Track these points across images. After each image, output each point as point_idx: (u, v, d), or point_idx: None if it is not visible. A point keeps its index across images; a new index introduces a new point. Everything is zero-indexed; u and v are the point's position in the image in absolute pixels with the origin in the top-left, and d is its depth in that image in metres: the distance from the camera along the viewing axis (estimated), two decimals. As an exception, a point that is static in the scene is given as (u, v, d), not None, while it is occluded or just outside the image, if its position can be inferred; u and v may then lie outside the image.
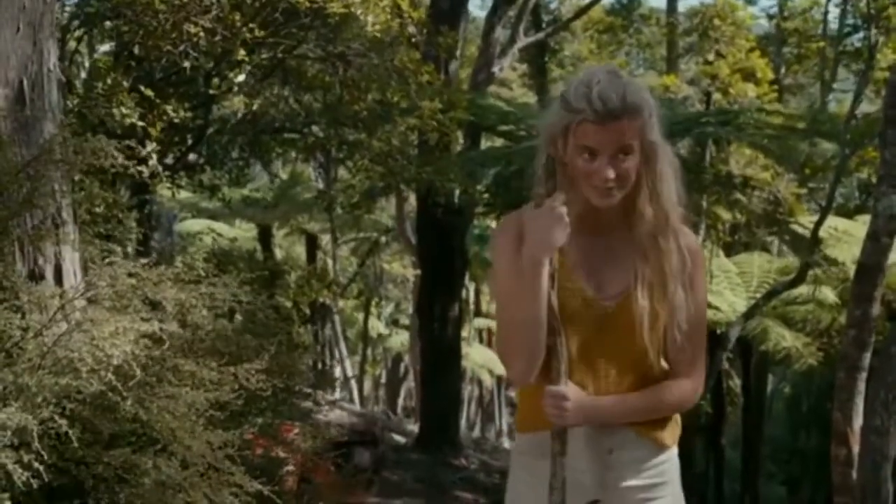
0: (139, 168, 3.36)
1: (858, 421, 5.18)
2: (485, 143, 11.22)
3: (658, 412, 2.19)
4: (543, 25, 15.66)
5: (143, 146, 3.52)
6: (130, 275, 3.21)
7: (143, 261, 3.38)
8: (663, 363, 2.19)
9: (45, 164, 3.19)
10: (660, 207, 2.12)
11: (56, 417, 2.65)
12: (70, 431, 2.66)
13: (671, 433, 2.24)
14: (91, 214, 3.75)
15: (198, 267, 3.65)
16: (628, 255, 2.14)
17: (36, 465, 2.55)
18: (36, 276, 3.28)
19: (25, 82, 3.30)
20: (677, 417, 2.26)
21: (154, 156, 3.48)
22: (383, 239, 18.24)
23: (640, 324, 2.10)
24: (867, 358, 5.26)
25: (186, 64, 5.39)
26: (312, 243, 16.68)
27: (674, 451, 2.26)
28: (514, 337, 2.09)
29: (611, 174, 2.02)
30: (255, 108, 6.49)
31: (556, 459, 2.10)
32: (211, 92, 6.08)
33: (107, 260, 3.42)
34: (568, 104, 2.03)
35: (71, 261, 3.41)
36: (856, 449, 5.13)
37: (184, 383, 3.08)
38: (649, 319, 2.11)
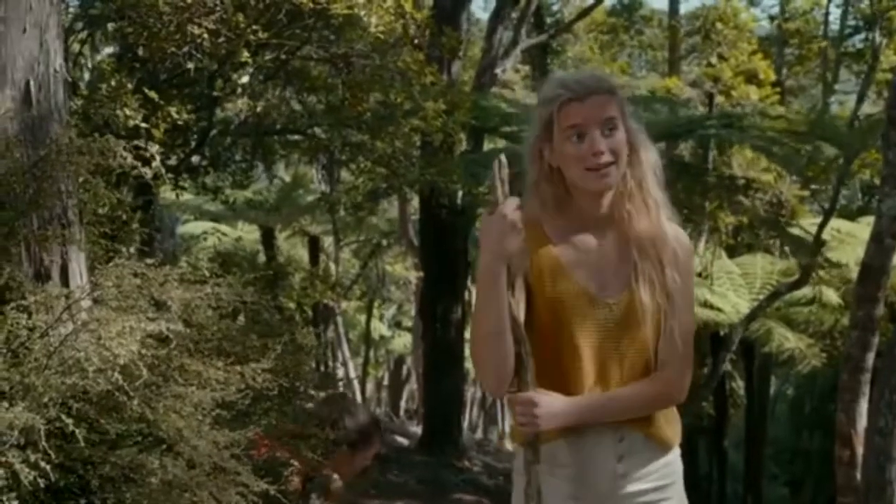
0: (143, 169, 3.36)
1: (862, 422, 5.19)
2: (488, 145, 11.21)
3: (648, 407, 2.17)
4: (546, 27, 15.67)
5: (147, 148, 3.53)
6: (136, 275, 3.21)
7: (149, 261, 3.39)
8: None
9: (52, 164, 3.19)
10: (650, 198, 2.16)
11: (62, 417, 2.66)
12: (76, 431, 2.66)
13: (676, 431, 2.23)
14: (95, 215, 3.75)
15: (202, 267, 3.65)
16: (625, 251, 2.15)
17: (42, 464, 2.55)
18: (42, 277, 3.28)
19: (32, 83, 3.30)
20: (677, 415, 2.25)
21: (158, 157, 3.47)
22: (384, 242, 18.23)
23: (645, 319, 2.11)
24: (871, 359, 5.29)
25: (190, 65, 5.40)
26: (315, 245, 16.66)
27: (678, 451, 2.25)
28: (482, 349, 2.08)
29: (603, 146, 2.07)
30: (258, 109, 6.50)
31: (529, 468, 2.07)
32: (214, 94, 6.08)
33: (112, 260, 3.42)
34: (545, 99, 2.14)
35: (77, 261, 3.41)
36: (860, 450, 5.15)
37: (190, 383, 3.08)
38: (652, 313, 2.11)
